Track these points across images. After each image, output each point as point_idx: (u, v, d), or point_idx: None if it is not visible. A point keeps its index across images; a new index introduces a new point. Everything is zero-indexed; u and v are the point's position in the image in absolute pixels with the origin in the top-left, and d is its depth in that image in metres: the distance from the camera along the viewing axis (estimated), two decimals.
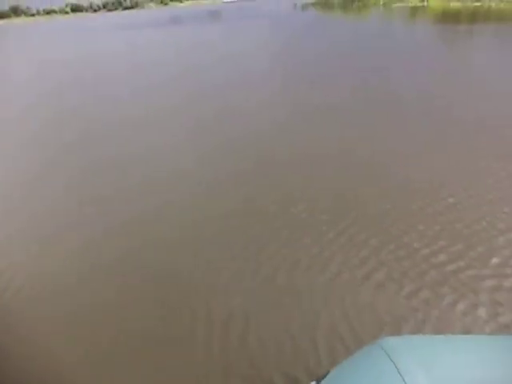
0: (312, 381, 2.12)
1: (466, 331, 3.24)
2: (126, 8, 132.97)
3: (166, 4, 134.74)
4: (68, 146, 8.75)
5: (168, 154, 7.68)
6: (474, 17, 28.79)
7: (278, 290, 3.88)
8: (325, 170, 6.23)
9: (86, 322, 3.78)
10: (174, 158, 7.44)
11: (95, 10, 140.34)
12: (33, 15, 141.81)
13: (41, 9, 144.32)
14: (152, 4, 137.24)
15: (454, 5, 36.64)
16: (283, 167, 6.52)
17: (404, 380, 1.48)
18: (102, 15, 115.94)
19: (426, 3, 40.31)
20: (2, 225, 5.70)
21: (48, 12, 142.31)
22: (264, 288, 3.92)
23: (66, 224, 5.49)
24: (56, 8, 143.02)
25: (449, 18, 30.13)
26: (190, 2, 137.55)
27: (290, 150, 7.19)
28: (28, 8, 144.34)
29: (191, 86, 13.46)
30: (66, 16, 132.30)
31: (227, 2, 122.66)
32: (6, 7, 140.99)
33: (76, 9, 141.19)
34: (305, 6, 55.02)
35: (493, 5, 33.67)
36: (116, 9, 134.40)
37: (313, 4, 55.58)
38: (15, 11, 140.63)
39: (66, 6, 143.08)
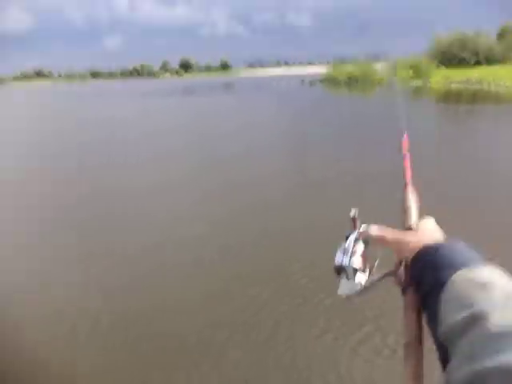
0: None
1: None
2: (142, 76, 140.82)
3: (180, 75, 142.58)
4: (70, 219, 8.78)
5: (169, 224, 7.63)
6: (475, 98, 30.25)
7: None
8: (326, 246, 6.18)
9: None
10: (175, 228, 7.37)
11: (113, 77, 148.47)
12: (54, 79, 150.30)
13: (62, 73, 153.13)
14: (167, 74, 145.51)
15: (455, 86, 38.60)
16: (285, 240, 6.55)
17: None
18: (119, 82, 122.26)
19: (428, 84, 42.50)
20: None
21: (69, 76, 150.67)
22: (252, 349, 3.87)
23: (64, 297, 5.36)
24: (76, 73, 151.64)
25: (451, 98, 31.60)
26: (204, 73, 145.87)
27: (290, 223, 7.20)
28: (50, 72, 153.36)
29: (197, 156, 13.42)
30: (86, 81, 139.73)
31: (239, 76, 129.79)
32: (30, 70, 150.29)
33: (95, 75, 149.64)
34: (312, 83, 57.82)
35: (492, 88, 35.47)
36: (133, 76, 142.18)
37: (320, 81, 58.44)
38: (38, 74, 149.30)
39: (86, 72, 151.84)
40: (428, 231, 0.82)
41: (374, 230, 0.88)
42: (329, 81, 56.39)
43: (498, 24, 56.10)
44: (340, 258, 0.91)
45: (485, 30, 52.52)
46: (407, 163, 1.10)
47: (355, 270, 0.90)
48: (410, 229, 0.90)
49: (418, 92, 37.28)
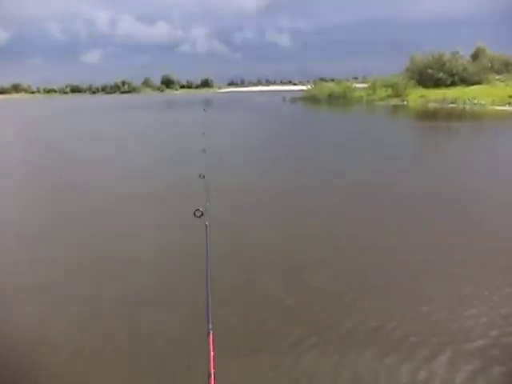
0: None
1: None
2: (124, 92, 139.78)
3: (162, 91, 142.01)
4: None
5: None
6: (450, 116, 31.10)
7: None
8: None
9: None
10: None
11: (94, 92, 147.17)
12: (33, 93, 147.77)
13: (41, 87, 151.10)
14: (149, 90, 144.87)
15: (432, 105, 39.58)
16: None
17: None
18: (100, 97, 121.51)
19: (405, 103, 43.43)
20: None
21: (48, 91, 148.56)
22: None
23: None
24: (56, 87, 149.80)
25: (427, 116, 32.39)
26: (184, 89, 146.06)
27: None
28: (29, 86, 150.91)
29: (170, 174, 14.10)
30: (65, 96, 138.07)
31: (221, 92, 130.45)
32: (8, 84, 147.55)
33: (75, 89, 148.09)
34: (293, 100, 58.40)
35: (466, 107, 36.51)
36: (114, 92, 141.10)
37: (301, 98, 59.04)
38: (16, 88, 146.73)
39: (66, 86, 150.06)
40: None
41: None
42: (309, 98, 57.02)
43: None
44: None
45: (461, 50, 54.12)
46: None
47: None
48: None
49: (396, 110, 38.02)
